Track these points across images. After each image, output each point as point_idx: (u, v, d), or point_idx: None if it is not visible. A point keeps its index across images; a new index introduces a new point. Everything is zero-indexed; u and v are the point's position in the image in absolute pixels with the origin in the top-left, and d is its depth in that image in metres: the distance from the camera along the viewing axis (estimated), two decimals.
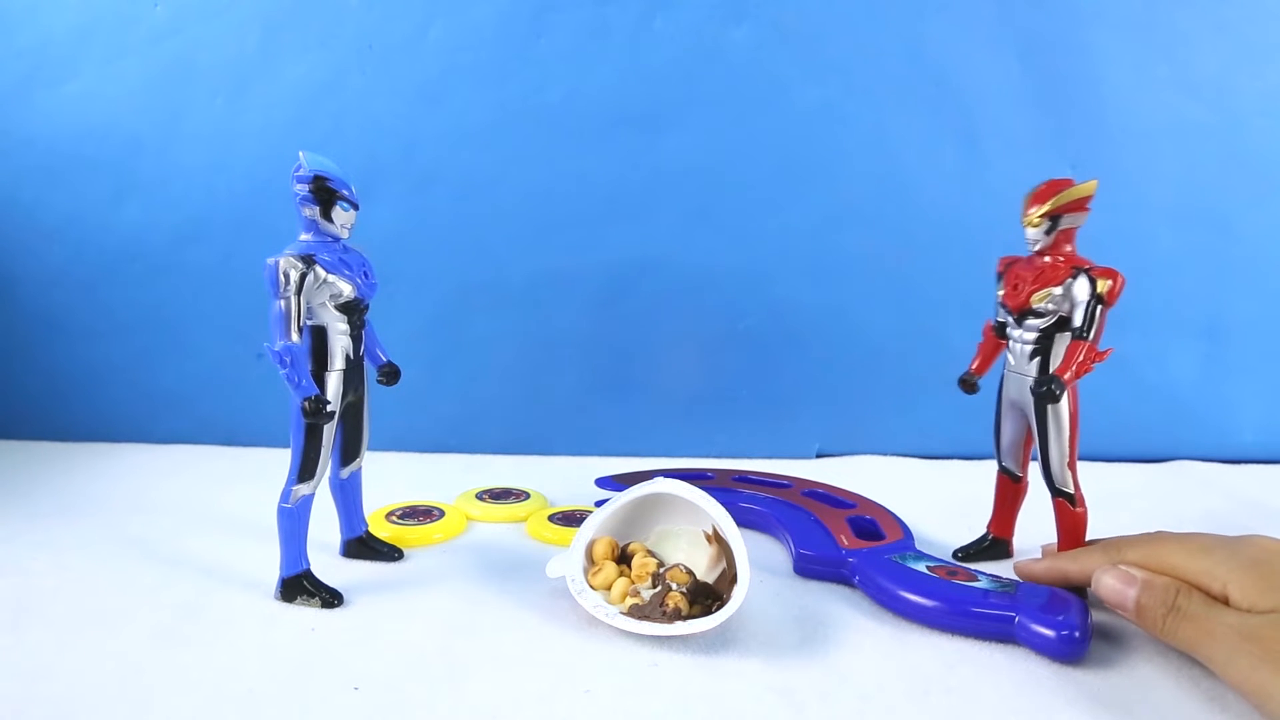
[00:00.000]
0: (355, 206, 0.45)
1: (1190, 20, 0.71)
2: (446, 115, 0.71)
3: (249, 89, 0.71)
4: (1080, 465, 0.46)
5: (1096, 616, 0.42)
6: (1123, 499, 0.63)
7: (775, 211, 0.73)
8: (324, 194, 0.43)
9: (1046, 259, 0.46)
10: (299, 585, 0.44)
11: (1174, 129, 0.72)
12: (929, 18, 0.71)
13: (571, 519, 0.56)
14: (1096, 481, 0.49)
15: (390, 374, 0.49)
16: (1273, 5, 0.71)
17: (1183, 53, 0.71)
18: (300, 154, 0.44)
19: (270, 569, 0.45)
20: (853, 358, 0.74)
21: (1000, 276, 0.48)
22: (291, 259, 0.42)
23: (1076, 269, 0.44)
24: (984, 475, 0.52)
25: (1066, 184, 0.45)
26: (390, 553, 0.51)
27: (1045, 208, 0.45)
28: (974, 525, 0.53)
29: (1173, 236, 0.73)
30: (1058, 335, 0.45)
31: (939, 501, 0.61)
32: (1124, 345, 0.73)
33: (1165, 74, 0.72)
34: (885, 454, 0.75)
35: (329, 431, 0.44)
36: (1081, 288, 0.44)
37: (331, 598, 0.44)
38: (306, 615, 0.43)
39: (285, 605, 0.44)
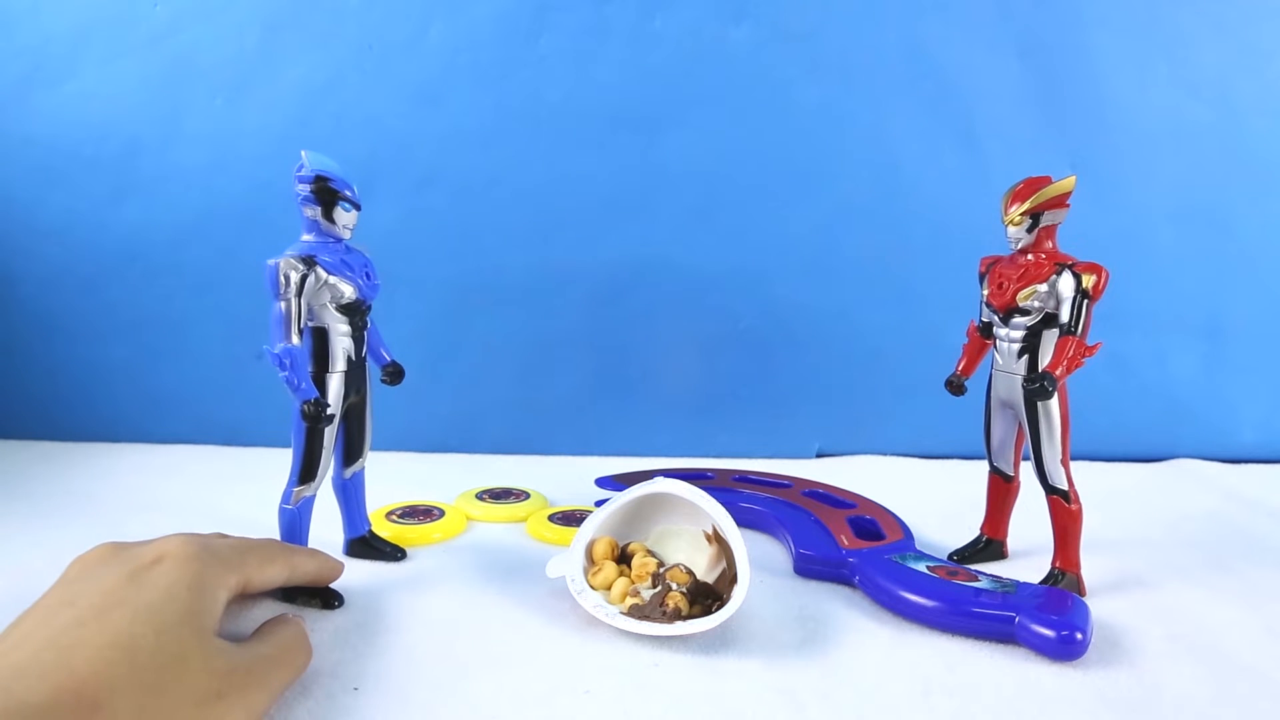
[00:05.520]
0: (357, 207, 0.45)
1: (1190, 20, 0.71)
2: (446, 115, 0.71)
3: (249, 89, 0.71)
4: (1080, 465, 0.47)
5: (1096, 616, 0.43)
6: (1123, 498, 0.63)
7: (775, 211, 0.73)
8: (326, 194, 0.43)
9: (1029, 257, 0.46)
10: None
11: (1174, 129, 0.72)
12: (929, 17, 0.71)
13: (571, 519, 0.56)
14: (1096, 481, 0.49)
15: (394, 374, 0.49)
16: (1273, 5, 0.71)
17: (1183, 53, 0.72)
18: (302, 154, 0.44)
19: None
20: (852, 358, 0.74)
21: (983, 277, 0.49)
22: (292, 260, 0.42)
23: (1060, 265, 0.45)
24: (984, 475, 0.52)
25: (1045, 181, 0.45)
26: (393, 552, 0.51)
27: (1025, 205, 0.45)
28: (973, 525, 0.53)
29: (1173, 236, 0.73)
30: (1045, 332, 0.46)
31: (939, 501, 0.61)
32: (1124, 345, 0.74)
33: (1165, 74, 0.72)
34: (885, 454, 0.75)
35: (330, 433, 0.44)
36: (1067, 283, 0.44)
37: (331, 598, 0.44)
38: (307, 615, 0.43)
39: (285, 605, 0.44)
